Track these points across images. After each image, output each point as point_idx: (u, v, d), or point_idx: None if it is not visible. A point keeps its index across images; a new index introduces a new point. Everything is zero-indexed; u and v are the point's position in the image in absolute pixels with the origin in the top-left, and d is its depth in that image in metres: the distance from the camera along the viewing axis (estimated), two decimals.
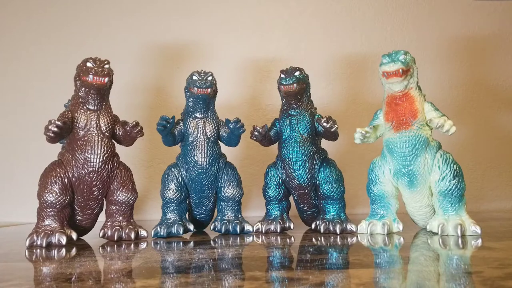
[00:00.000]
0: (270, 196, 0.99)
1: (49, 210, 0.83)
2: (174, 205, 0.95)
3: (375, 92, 1.40)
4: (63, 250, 0.76)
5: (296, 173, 0.95)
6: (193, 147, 0.95)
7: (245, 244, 0.80)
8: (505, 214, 1.26)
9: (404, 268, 0.56)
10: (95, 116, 0.87)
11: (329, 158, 0.99)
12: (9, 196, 1.34)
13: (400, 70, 0.83)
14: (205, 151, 0.95)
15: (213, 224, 0.98)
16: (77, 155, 0.85)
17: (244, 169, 1.32)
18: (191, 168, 0.95)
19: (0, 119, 1.38)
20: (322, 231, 0.92)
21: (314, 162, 0.96)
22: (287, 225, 0.98)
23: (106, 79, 0.86)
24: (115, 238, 0.86)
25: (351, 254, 0.68)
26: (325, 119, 0.94)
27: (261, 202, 1.04)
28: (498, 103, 1.48)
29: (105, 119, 0.88)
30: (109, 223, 0.89)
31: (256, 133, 0.96)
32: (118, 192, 0.88)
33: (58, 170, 0.84)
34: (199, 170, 0.94)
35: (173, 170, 0.97)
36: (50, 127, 0.81)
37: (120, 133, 0.90)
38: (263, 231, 0.96)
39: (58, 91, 1.22)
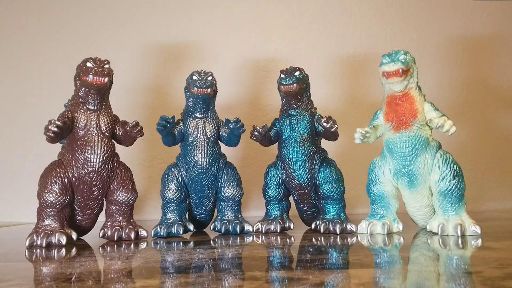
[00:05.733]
0: (270, 196, 0.99)
1: (49, 210, 0.83)
2: (174, 205, 0.95)
3: (375, 92, 1.40)
4: (63, 250, 0.76)
5: (296, 173, 0.95)
6: (193, 147, 0.95)
7: (245, 244, 0.80)
8: (505, 214, 1.26)
9: (404, 268, 0.56)
10: (95, 116, 0.87)
11: (329, 158, 0.99)
12: (9, 196, 1.34)
13: (400, 70, 0.83)
14: (205, 151, 0.95)
15: (213, 224, 0.98)
16: (77, 155, 0.85)
17: (244, 169, 1.32)
18: (191, 168, 0.95)
19: (0, 119, 1.38)
20: (322, 231, 0.92)
21: (314, 162, 0.96)
22: (287, 225, 0.98)
23: (106, 79, 0.86)
24: (115, 238, 0.86)
25: (351, 254, 0.68)
26: (325, 119, 0.94)
27: (261, 202, 1.04)
28: (498, 103, 1.48)
29: (105, 119, 0.88)
30: (109, 223, 0.89)
31: (256, 133, 0.96)
32: (118, 192, 0.88)
33: (58, 170, 0.84)
34: (199, 170, 0.94)
35: (173, 170, 0.97)
36: (50, 127, 0.81)
37: (120, 133, 0.90)
38: (263, 231, 0.96)
39: (58, 91, 1.22)
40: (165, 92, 1.40)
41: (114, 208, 0.89)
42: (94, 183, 0.86)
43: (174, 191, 0.95)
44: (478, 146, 1.46)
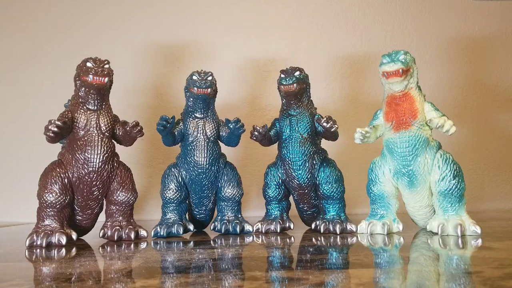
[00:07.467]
0: (270, 196, 0.99)
1: (49, 210, 0.83)
2: (174, 205, 0.95)
3: (375, 92, 1.40)
4: (63, 250, 0.76)
5: (296, 173, 0.95)
6: (193, 147, 0.95)
7: (245, 244, 0.80)
8: (505, 214, 1.26)
9: (404, 268, 0.56)
10: (95, 116, 0.87)
11: (329, 158, 0.99)
12: (10, 196, 1.34)
13: (400, 70, 0.83)
14: (205, 151, 0.95)
15: (213, 224, 0.98)
16: (77, 155, 0.85)
17: (244, 169, 1.32)
18: (191, 168, 0.95)
19: (0, 119, 1.38)
20: (322, 231, 0.92)
21: (314, 162, 0.96)
22: (287, 225, 0.98)
23: (106, 79, 0.86)
24: (115, 238, 0.86)
25: (351, 254, 0.68)
26: (325, 119, 0.94)
27: (261, 202, 1.04)
28: (498, 103, 1.48)
29: (105, 119, 0.88)
30: (109, 223, 0.89)
31: (256, 133, 0.96)
32: (118, 192, 0.88)
33: (58, 170, 0.84)
34: (199, 170, 0.94)
35: (173, 170, 0.97)
36: (50, 127, 0.81)
37: (120, 133, 0.90)
38: (263, 231, 0.96)
39: (58, 91, 1.22)
40: (165, 92, 1.40)
41: (114, 208, 0.89)
42: (94, 183, 0.86)
43: (174, 191, 0.95)
44: (478, 146, 1.46)
